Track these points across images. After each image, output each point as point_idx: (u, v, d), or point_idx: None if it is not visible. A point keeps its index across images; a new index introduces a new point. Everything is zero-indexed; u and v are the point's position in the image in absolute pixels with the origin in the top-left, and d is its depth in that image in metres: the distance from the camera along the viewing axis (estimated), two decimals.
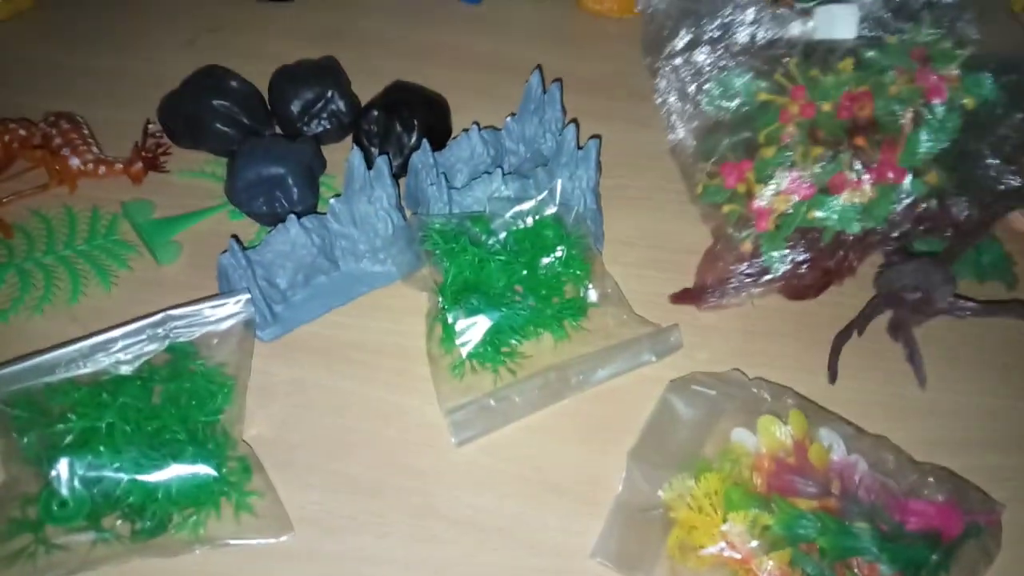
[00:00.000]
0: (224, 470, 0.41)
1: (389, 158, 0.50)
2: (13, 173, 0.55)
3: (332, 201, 0.49)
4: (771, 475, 0.40)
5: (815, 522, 0.38)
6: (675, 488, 0.41)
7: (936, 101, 0.48)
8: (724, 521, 0.39)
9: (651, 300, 0.52)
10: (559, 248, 0.49)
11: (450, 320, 0.46)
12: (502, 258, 0.48)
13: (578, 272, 0.49)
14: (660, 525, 0.41)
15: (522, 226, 0.50)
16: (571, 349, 0.48)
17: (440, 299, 0.47)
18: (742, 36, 0.55)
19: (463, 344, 0.46)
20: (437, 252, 0.48)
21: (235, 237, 0.46)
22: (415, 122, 0.57)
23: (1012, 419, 0.49)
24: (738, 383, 0.46)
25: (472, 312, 0.46)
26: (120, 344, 0.42)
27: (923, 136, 0.48)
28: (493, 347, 0.46)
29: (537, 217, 0.50)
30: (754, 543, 0.38)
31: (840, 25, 0.52)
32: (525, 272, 0.48)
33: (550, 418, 0.47)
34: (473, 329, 0.46)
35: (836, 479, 0.41)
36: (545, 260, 0.49)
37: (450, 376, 0.46)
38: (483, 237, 0.49)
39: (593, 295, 0.50)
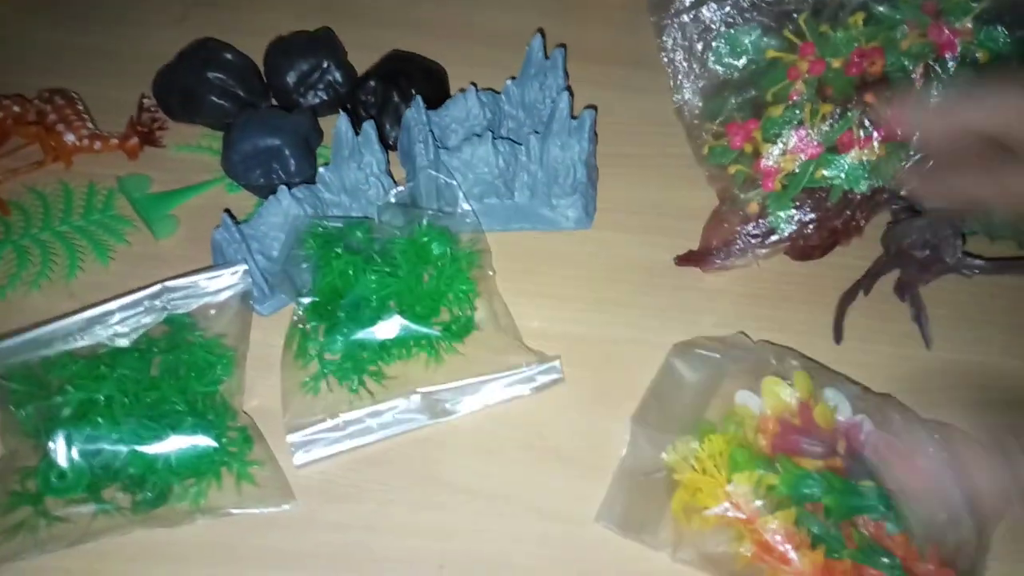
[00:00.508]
0: (224, 440, 0.40)
1: (378, 124, 0.49)
2: (8, 150, 0.54)
3: (321, 170, 0.48)
4: (776, 436, 0.40)
5: (820, 481, 0.38)
6: (679, 451, 0.40)
7: (948, 55, 0.47)
8: (728, 482, 0.38)
9: (657, 266, 0.52)
10: (442, 263, 0.45)
11: (309, 330, 0.43)
12: (377, 269, 0.44)
13: (462, 290, 0.46)
14: (664, 488, 0.40)
15: (403, 236, 0.46)
16: (443, 374, 0.44)
17: (303, 306, 0.44)
18: None
19: (320, 358, 0.43)
20: (311, 256, 0.44)
21: (227, 211, 0.46)
22: (413, 91, 0.56)
23: (1018, 378, 0.48)
24: (742, 346, 0.46)
25: (336, 324, 0.43)
26: (117, 316, 0.42)
27: (934, 91, 0.47)
28: (354, 364, 0.43)
29: (422, 226, 0.46)
30: (758, 503, 0.37)
31: None
32: (402, 286, 0.44)
33: (556, 387, 0.46)
34: (335, 343, 0.43)
35: (842, 439, 0.40)
36: (427, 275, 0.45)
37: (302, 391, 0.43)
38: (363, 245, 0.46)
39: (477, 317, 0.46)
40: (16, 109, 0.54)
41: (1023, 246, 0.53)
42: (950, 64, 0.46)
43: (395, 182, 0.52)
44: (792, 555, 0.37)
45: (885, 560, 0.36)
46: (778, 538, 0.37)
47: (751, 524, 0.37)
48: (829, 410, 0.41)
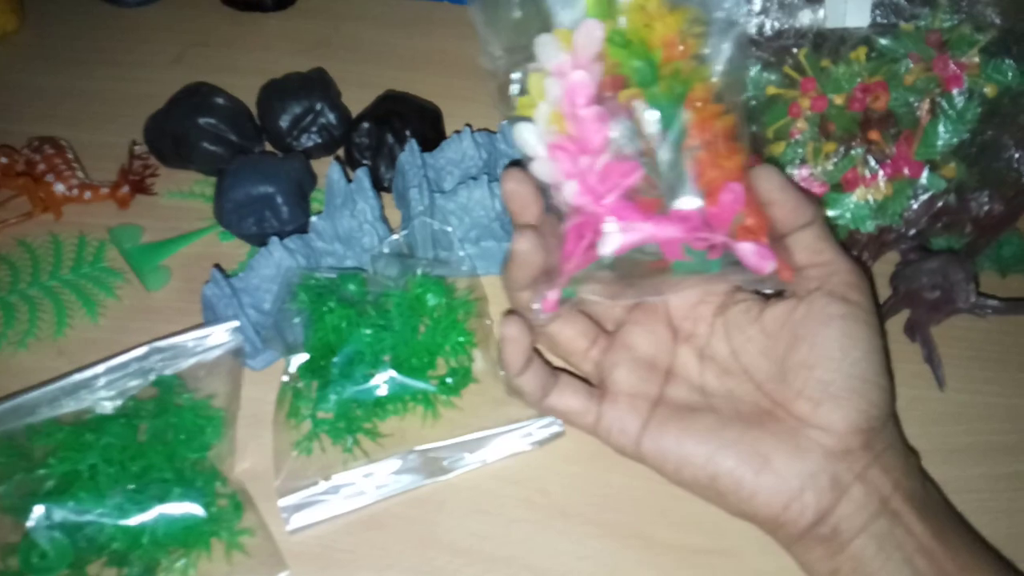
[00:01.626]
0: (213, 509, 0.39)
1: (372, 169, 0.48)
2: None
3: (314, 219, 0.47)
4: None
5: None
6: None
7: (954, 90, 0.46)
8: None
9: None
10: (438, 314, 0.44)
11: (301, 388, 0.42)
12: (371, 322, 0.43)
13: (459, 341, 0.44)
14: None
15: (397, 288, 0.44)
16: (441, 430, 0.43)
17: (295, 364, 0.43)
18: (749, 26, 0.52)
19: (314, 417, 0.42)
20: (303, 310, 0.43)
21: (217, 266, 0.45)
22: (407, 132, 0.55)
23: None
24: None
25: (328, 381, 0.42)
26: (103, 380, 0.41)
27: (941, 128, 0.45)
28: (348, 423, 0.42)
29: (416, 277, 0.45)
30: None
31: (852, 12, 0.49)
32: (397, 340, 0.43)
33: (558, 440, 0.44)
34: (327, 400, 0.42)
35: None
36: (423, 327, 0.44)
37: (294, 452, 0.42)
38: (357, 298, 0.44)
39: (476, 368, 0.45)
40: (3, 160, 0.53)
41: None
42: (957, 99, 0.45)
43: (390, 228, 0.51)
44: None
45: None
46: None
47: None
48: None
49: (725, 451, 0.34)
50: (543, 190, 0.36)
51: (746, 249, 0.34)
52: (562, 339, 0.40)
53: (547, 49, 0.34)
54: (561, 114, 0.34)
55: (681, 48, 0.34)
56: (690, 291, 0.38)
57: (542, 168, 0.35)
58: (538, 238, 0.35)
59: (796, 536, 0.35)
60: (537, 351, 0.37)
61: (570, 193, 0.34)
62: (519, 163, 0.37)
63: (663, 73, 0.34)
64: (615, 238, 0.33)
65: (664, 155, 0.34)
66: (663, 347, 0.39)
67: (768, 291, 0.39)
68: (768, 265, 0.34)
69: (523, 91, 0.35)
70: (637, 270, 0.35)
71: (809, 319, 0.35)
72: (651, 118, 0.33)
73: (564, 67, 0.34)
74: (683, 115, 0.34)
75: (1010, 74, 0.45)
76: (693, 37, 0.34)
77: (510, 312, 0.37)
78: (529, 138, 0.35)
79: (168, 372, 0.42)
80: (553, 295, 0.34)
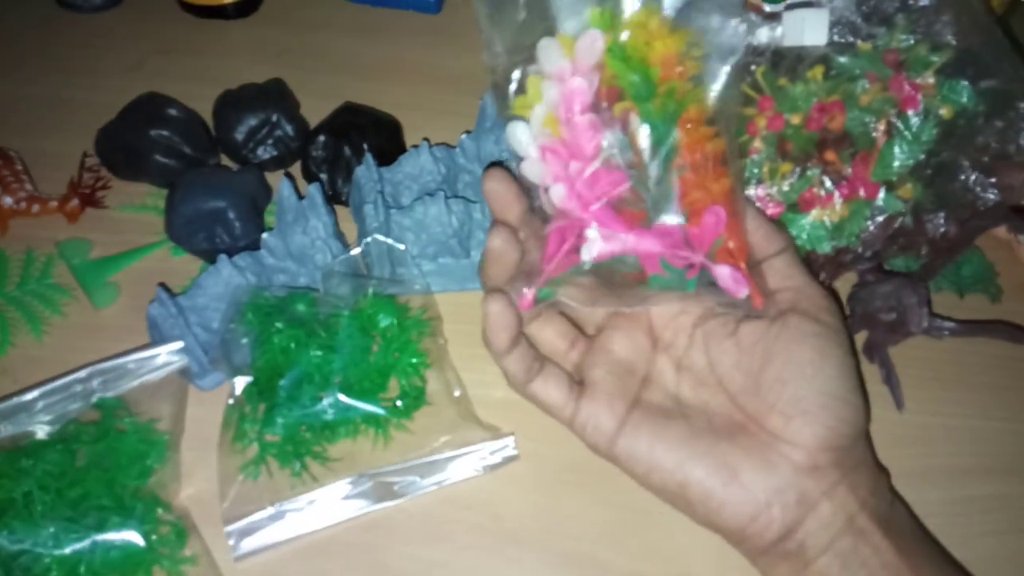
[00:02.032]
0: (154, 537, 0.38)
1: (329, 183, 0.47)
2: None
3: (265, 235, 0.46)
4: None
5: None
6: None
7: (911, 111, 0.45)
8: None
9: None
10: (390, 334, 0.43)
11: (247, 411, 0.41)
12: (321, 343, 0.42)
13: (412, 363, 0.44)
14: None
15: (348, 307, 0.44)
16: (392, 453, 0.42)
17: (241, 386, 0.42)
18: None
19: (260, 440, 0.41)
20: (251, 330, 0.42)
21: (162, 285, 0.44)
22: (365, 146, 0.54)
23: (1002, 442, 0.47)
24: None
25: (276, 404, 0.41)
26: (42, 404, 0.40)
27: (897, 148, 0.45)
28: (296, 446, 0.41)
29: (367, 297, 0.44)
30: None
31: (810, 30, 0.49)
32: (347, 361, 0.42)
33: (512, 464, 0.44)
34: (275, 424, 0.41)
35: None
36: (375, 348, 0.43)
37: (240, 477, 0.41)
38: (306, 318, 0.43)
39: (429, 390, 0.44)
40: None
41: (995, 299, 0.51)
42: (913, 120, 0.45)
43: (346, 244, 0.50)
44: None
45: None
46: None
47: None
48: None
49: (695, 461, 0.35)
50: (529, 191, 0.36)
51: (723, 272, 0.34)
52: (541, 339, 0.40)
53: (549, 53, 0.34)
54: (556, 118, 0.35)
55: (679, 69, 0.34)
56: (663, 307, 0.38)
57: (531, 168, 0.36)
58: (512, 235, 0.35)
59: (761, 550, 0.35)
60: (524, 335, 0.37)
61: (557, 196, 0.35)
62: (500, 164, 0.37)
63: (659, 91, 0.34)
64: (597, 245, 0.34)
65: (653, 170, 0.34)
66: (642, 354, 0.39)
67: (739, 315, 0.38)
68: (742, 290, 0.34)
69: (520, 91, 0.36)
70: (615, 279, 0.35)
71: (783, 336, 0.35)
72: (643, 132, 0.34)
73: (564, 72, 0.34)
74: (675, 134, 0.34)
75: (966, 95, 0.45)
76: (692, 59, 0.35)
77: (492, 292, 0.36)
78: (522, 137, 0.35)
79: (110, 394, 0.41)
80: (530, 293, 0.35)
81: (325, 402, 0.42)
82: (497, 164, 0.38)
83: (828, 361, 0.35)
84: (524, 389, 0.38)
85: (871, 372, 0.48)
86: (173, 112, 0.55)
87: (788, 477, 0.34)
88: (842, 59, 0.47)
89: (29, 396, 0.40)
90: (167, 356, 0.42)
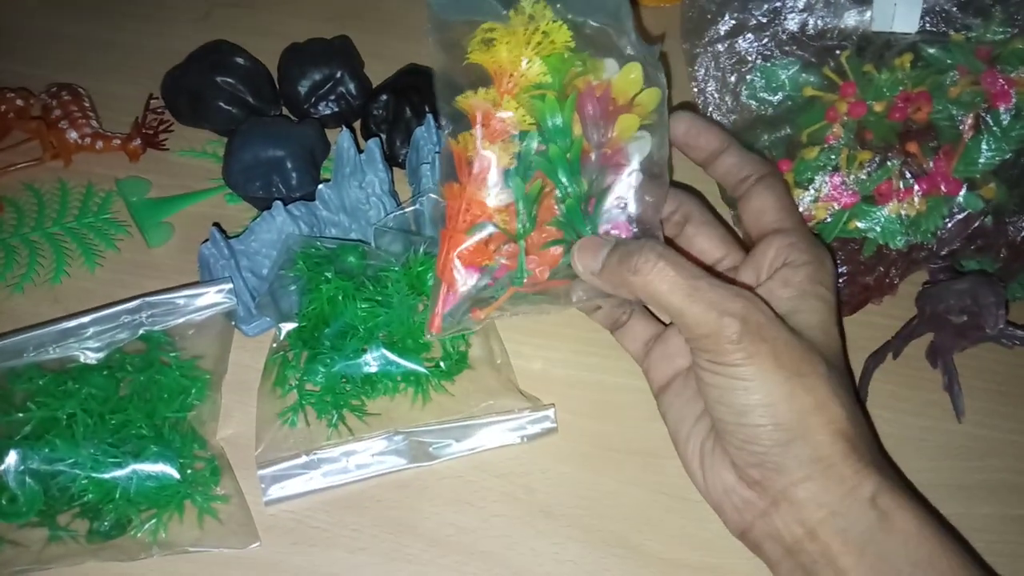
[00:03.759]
0: (189, 471, 0.38)
1: (387, 143, 0.46)
2: (8, 144, 0.53)
3: (321, 187, 0.46)
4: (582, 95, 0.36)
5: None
6: None
7: (1001, 107, 0.43)
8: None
9: None
10: None
11: (290, 358, 0.41)
12: (368, 297, 0.41)
13: None
14: None
15: (398, 264, 0.43)
16: (429, 414, 0.42)
17: (286, 331, 0.42)
18: (792, 24, 0.50)
19: (301, 388, 0.41)
20: (300, 278, 0.42)
21: (217, 225, 0.44)
22: (426, 108, 0.53)
23: None
24: None
25: (319, 353, 0.40)
26: (91, 330, 0.40)
27: (983, 145, 0.43)
28: (335, 397, 0.41)
29: (418, 255, 0.43)
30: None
31: (901, 17, 0.47)
32: (393, 317, 0.41)
33: (549, 437, 0.43)
34: (316, 372, 0.40)
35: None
36: (421, 307, 0.42)
37: (277, 423, 0.41)
38: (356, 271, 0.43)
39: (472, 354, 0.43)
40: (19, 103, 0.53)
41: None
42: (1003, 116, 0.42)
43: (399, 203, 0.49)
44: None
45: None
46: None
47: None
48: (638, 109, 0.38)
49: (699, 439, 0.37)
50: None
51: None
52: (696, 248, 0.41)
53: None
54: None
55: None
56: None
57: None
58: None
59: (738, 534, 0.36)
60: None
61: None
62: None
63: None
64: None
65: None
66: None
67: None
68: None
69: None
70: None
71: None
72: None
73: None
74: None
75: None
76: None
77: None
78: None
79: (157, 328, 0.41)
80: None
81: (368, 355, 0.41)
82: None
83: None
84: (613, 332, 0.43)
85: (931, 378, 0.46)
86: (240, 60, 0.55)
87: (731, 482, 0.35)
88: (932, 50, 0.45)
89: (78, 321, 0.40)
90: (215, 296, 0.42)
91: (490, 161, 0.36)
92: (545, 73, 0.35)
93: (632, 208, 0.37)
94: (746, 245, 0.40)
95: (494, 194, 0.36)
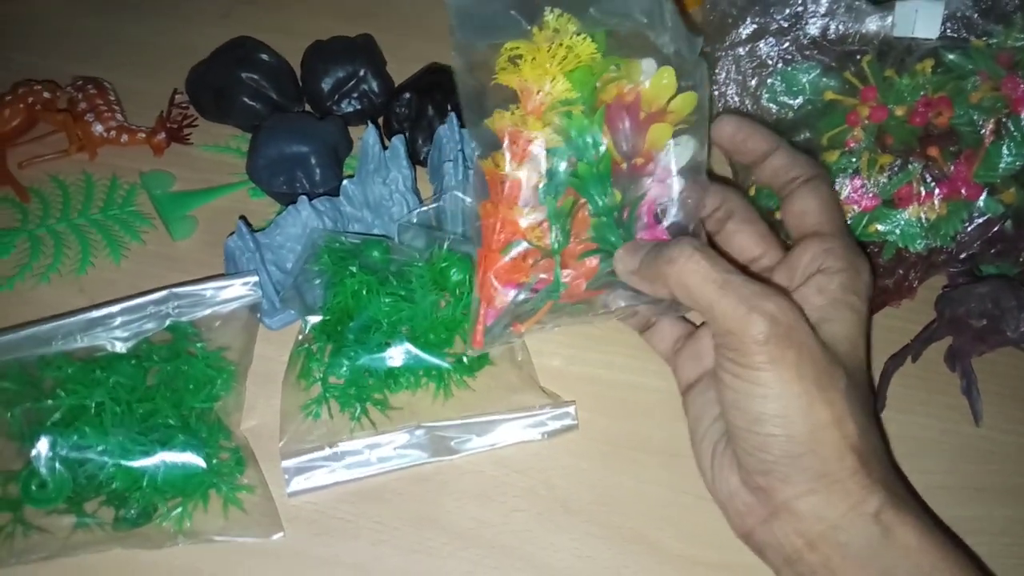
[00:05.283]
0: (215, 461, 0.38)
1: (409, 141, 0.47)
2: (35, 136, 0.54)
3: (345, 183, 0.46)
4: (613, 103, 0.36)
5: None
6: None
7: (1022, 112, 0.43)
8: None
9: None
10: (460, 290, 0.43)
11: (315, 351, 0.41)
12: (392, 291, 0.42)
13: None
14: None
15: (422, 260, 0.44)
16: (451, 409, 0.42)
17: (310, 325, 0.42)
18: (813, 28, 0.50)
19: (324, 381, 0.41)
20: (325, 272, 0.43)
21: (243, 218, 0.44)
22: (448, 107, 0.54)
23: None
24: None
25: (343, 346, 0.41)
26: (119, 320, 0.41)
27: (1004, 150, 0.43)
28: (358, 391, 0.41)
29: (441, 251, 0.43)
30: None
31: (922, 22, 0.47)
32: (416, 312, 0.42)
33: (569, 433, 0.43)
34: (340, 366, 0.41)
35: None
36: (444, 303, 0.43)
37: (301, 415, 0.41)
38: (380, 265, 0.43)
39: (494, 351, 0.43)
40: (46, 95, 0.53)
41: None
42: None
43: (421, 200, 0.50)
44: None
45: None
46: None
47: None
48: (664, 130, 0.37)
49: (713, 439, 0.37)
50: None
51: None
52: (734, 246, 0.40)
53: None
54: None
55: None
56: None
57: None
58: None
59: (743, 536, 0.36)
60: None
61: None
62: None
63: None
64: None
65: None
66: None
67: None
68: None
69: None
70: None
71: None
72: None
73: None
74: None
75: None
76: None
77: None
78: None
79: (184, 319, 0.42)
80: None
81: (391, 350, 0.42)
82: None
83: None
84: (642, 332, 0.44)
85: (949, 382, 0.46)
86: (264, 57, 0.55)
87: (735, 485, 0.35)
88: (953, 56, 0.45)
89: (107, 311, 0.41)
90: (241, 288, 0.43)
91: (520, 181, 0.36)
92: (570, 89, 0.36)
93: (672, 212, 0.38)
94: (786, 246, 0.39)
95: (526, 212, 0.36)
